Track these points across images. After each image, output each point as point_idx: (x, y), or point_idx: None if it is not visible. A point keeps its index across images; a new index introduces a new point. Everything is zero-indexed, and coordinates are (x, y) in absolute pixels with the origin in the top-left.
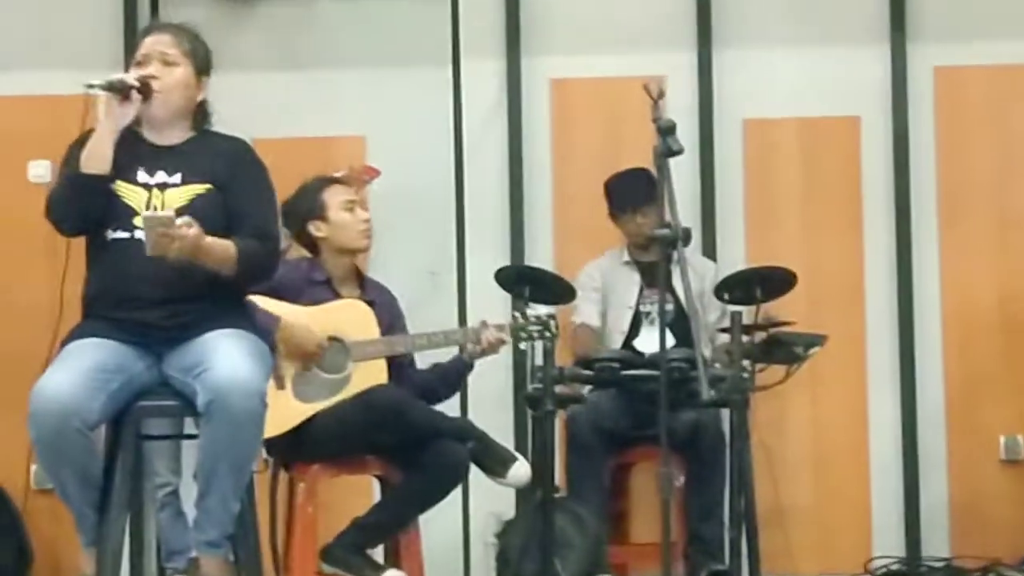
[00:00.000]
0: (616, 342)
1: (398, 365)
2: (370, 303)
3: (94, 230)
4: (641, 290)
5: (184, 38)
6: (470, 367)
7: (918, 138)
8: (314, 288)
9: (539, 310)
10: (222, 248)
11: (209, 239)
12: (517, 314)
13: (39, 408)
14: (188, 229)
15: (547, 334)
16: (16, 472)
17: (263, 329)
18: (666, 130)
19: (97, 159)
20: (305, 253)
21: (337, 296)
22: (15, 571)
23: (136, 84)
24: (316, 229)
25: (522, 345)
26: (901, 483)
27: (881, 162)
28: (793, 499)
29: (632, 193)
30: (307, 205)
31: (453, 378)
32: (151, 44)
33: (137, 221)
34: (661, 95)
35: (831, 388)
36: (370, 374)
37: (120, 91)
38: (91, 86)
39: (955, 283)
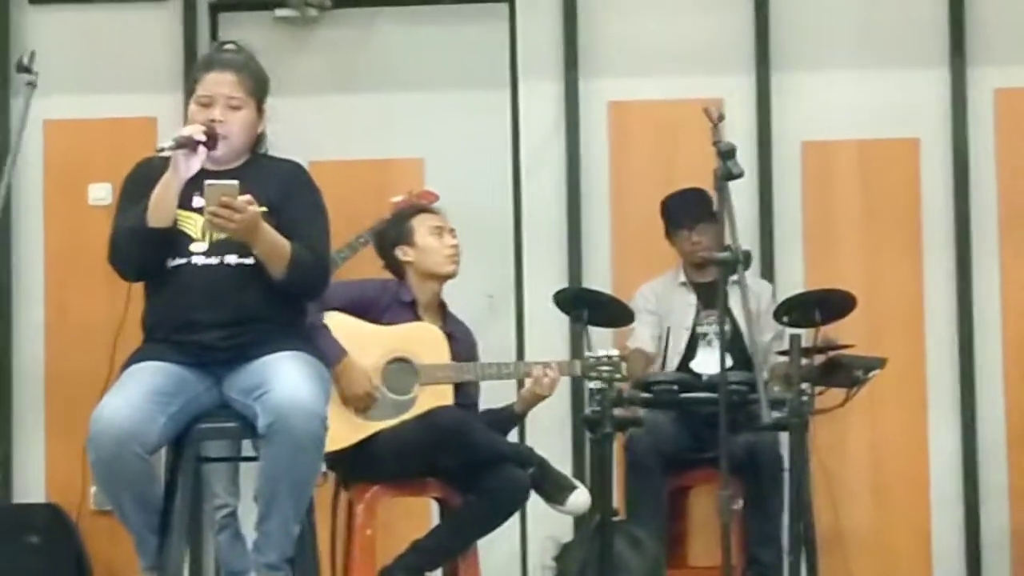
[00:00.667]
0: (673, 364)
1: (459, 403)
2: (448, 336)
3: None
4: (698, 311)
5: (246, 75)
6: (520, 418)
7: (978, 160)
8: (400, 309)
9: (610, 351)
10: (280, 242)
11: (267, 228)
12: (590, 354)
13: (98, 432)
14: (252, 208)
15: (616, 375)
16: (75, 494)
17: (325, 355)
18: (726, 153)
19: (162, 212)
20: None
21: (419, 320)
22: None
23: (203, 139)
24: (403, 254)
25: (591, 384)
26: (962, 509)
27: (941, 184)
28: (853, 523)
29: (687, 211)
30: (396, 230)
31: (502, 424)
32: (214, 85)
33: (194, 248)
34: (721, 118)
35: (891, 412)
36: (436, 398)
37: (188, 146)
38: (162, 149)
39: (1017, 306)
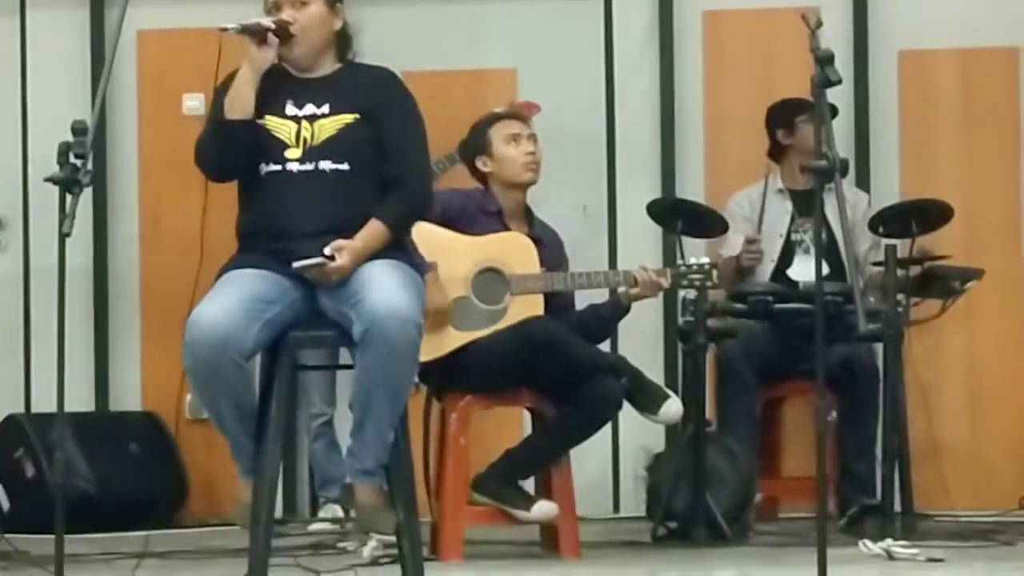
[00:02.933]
0: (767, 271)
1: (556, 303)
2: (536, 240)
3: (246, 173)
4: (793, 218)
5: None
6: (626, 310)
7: None
8: (486, 219)
9: (701, 259)
10: (375, 237)
11: (359, 244)
12: (681, 262)
13: (195, 338)
14: (340, 261)
15: (708, 283)
16: (171, 402)
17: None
18: (824, 60)
19: (239, 104)
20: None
21: (506, 229)
22: (172, 499)
23: (272, 27)
24: (483, 164)
25: (683, 294)
26: None
27: None
28: (948, 435)
29: (798, 104)
30: (475, 141)
31: (608, 320)
32: None
33: (288, 155)
34: (819, 25)
35: (988, 323)
36: (527, 308)
37: (256, 34)
38: (225, 29)
39: None
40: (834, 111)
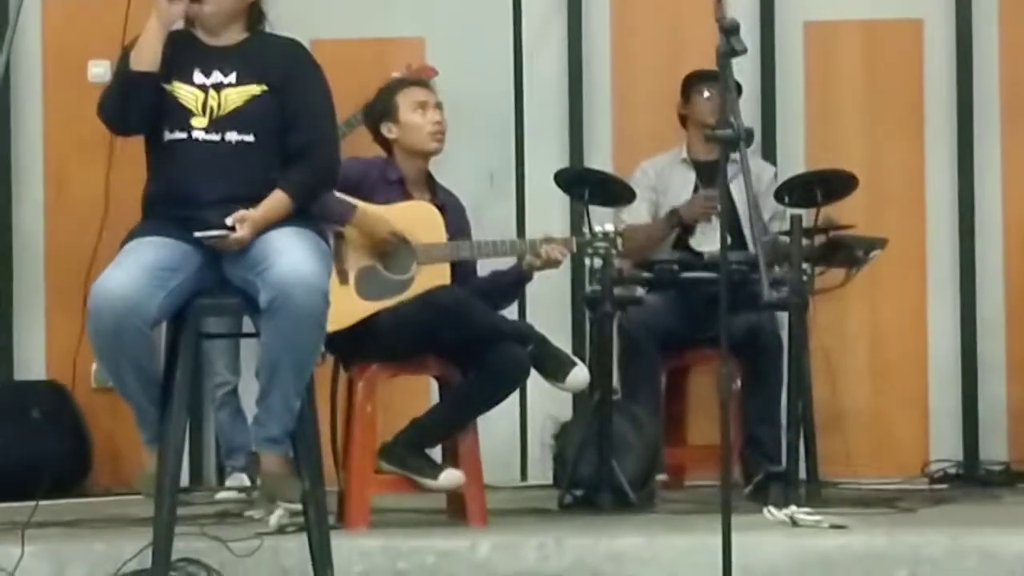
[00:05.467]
0: (669, 241)
1: (460, 271)
2: (440, 207)
3: (149, 130)
4: (696, 188)
5: None
6: (529, 278)
7: (981, 41)
8: (387, 188)
9: (606, 226)
10: (277, 208)
11: (260, 214)
12: (586, 230)
13: (99, 306)
14: (241, 232)
15: (613, 251)
16: (76, 370)
17: (337, 214)
18: (730, 30)
19: (146, 56)
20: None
21: (409, 197)
22: (76, 467)
23: None
24: (388, 131)
25: (587, 261)
26: (959, 387)
27: (944, 65)
28: (851, 403)
29: (705, 73)
30: (381, 106)
31: (511, 287)
32: None
33: (195, 123)
34: None
35: (891, 292)
36: (433, 277)
37: None
38: None
39: (1018, 187)
40: (739, 89)
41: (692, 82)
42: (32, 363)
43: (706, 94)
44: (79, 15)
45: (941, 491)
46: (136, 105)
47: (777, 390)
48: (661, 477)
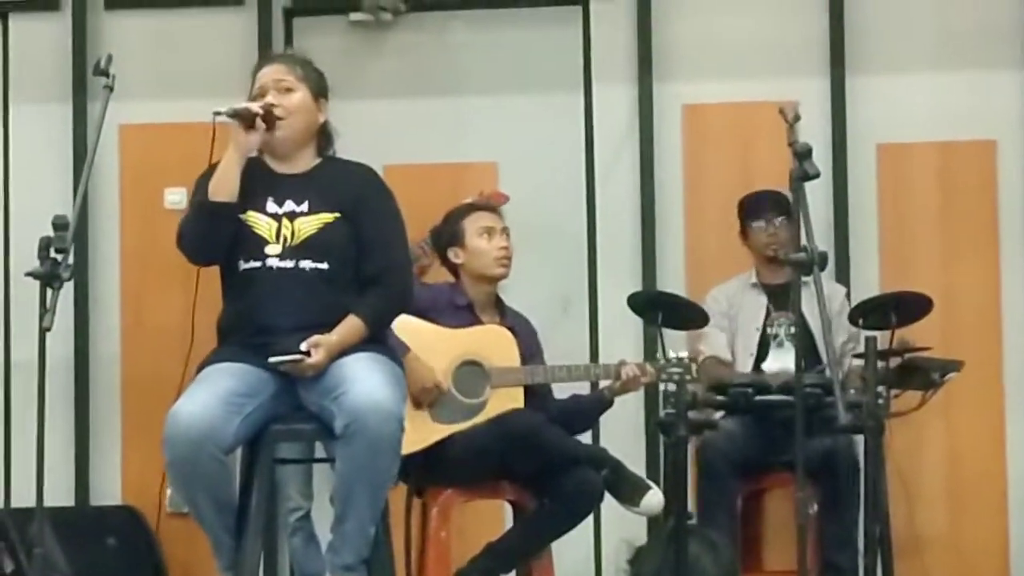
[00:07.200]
0: (746, 364)
1: (535, 393)
2: (511, 330)
3: (225, 260)
4: (768, 312)
5: (296, 64)
6: (610, 403)
7: None
8: (456, 313)
9: (681, 353)
10: (351, 333)
11: (335, 339)
12: (661, 356)
13: (174, 433)
14: (315, 357)
15: (688, 377)
16: (151, 496)
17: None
18: (803, 154)
19: (224, 187)
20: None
21: (478, 322)
22: None
23: (260, 112)
24: (455, 256)
25: (661, 385)
26: None
27: (1018, 186)
28: (929, 527)
29: (764, 205)
30: (448, 231)
31: (591, 412)
32: (265, 76)
33: (269, 251)
34: (797, 119)
35: (967, 415)
36: (507, 400)
37: (245, 119)
38: (218, 113)
39: None
40: (788, 207)
41: (745, 214)
42: (108, 488)
43: (759, 224)
44: (155, 142)
45: None
46: (216, 235)
47: (854, 514)
48: None
